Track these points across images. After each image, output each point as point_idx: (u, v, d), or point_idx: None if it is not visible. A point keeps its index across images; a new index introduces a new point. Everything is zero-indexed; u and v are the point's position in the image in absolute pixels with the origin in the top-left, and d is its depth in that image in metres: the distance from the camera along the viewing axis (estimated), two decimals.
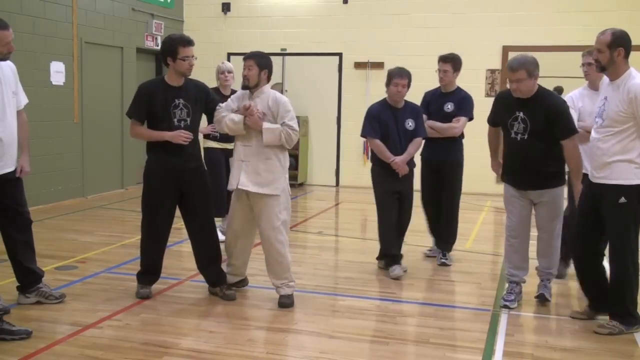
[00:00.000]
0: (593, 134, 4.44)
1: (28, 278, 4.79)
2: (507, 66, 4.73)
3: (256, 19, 11.86)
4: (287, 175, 4.91)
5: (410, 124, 5.68)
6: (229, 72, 6.81)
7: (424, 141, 5.92)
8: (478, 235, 7.76)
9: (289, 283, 4.92)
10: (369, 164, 11.91)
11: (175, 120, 4.81)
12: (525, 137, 4.72)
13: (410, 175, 5.76)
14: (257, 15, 11.86)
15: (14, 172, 4.61)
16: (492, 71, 10.80)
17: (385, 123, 5.66)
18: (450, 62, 6.06)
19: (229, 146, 6.44)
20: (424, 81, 10.90)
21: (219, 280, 5.08)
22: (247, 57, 4.83)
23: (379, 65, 11.26)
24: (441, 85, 6.17)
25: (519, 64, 4.62)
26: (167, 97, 4.81)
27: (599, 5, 10.23)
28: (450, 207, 6.19)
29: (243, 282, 5.25)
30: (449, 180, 6.11)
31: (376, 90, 11.28)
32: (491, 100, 11.34)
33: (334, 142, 11.71)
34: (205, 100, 4.99)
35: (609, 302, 4.52)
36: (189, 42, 4.80)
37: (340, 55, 11.54)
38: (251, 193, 4.78)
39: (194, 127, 4.92)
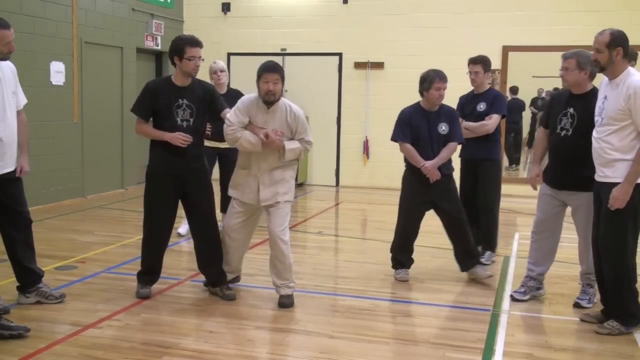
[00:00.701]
0: (594, 133, 4.44)
1: (28, 278, 4.79)
2: (562, 55, 4.85)
3: (256, 19, 11.86)
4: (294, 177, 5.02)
5: (443, 128, 5.49)
6: (222, 71, 6.80)
7: (460, 146, 5.78)
8: None
9: (289, 284, 4.92)
10: (369, 164, 11.98)
11: (179, 119, 4.81)
12: (569, 132, 4.76)
13: (446, 185, 5.52)
14: (257, 15, 11.86)
15: (14, 172, 4.62)
16: (492, 71, 10.77)
17: (417, 127, 5.50)
18: (480, 63, 6.11)
19: (221, 145, 6.50)
20: None
21: (220, 280, 5.08)
22: (272, 70, 4.69)
23: (379, 65, 11.27)
24: (473, 87, 6.23)
25: (572, 54, 4.74)
26: (171, 96, 4.81)
27: (599, 5, 10.23)
28: (487, 205, 6.10)
29: (236, 279, 5.26)
30: (484, 179, 6.09)
31: (376, 90, 11.32)
32: None
33: (334, 142, 11.71)
34: (210, 101, 4.95)
35: (608, 302, 4.50)
36: (196, 43, 4.81)
37: (340, 55, 11.54)
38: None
39: (197, 128, 4.89)
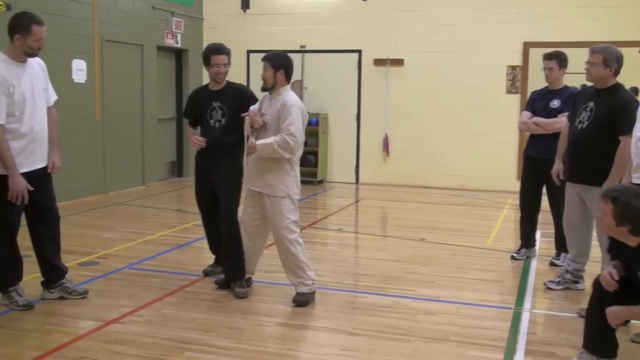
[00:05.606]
0: (634, 131, 4.25)
1: (52, 274, 4.86)
2: (590, 48, 4.87)
3: (275, 16, 11.87)
4: (297, 180, 4.90)
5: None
6: None
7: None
8: (499, 233, 7.71)
9: (305, 282, 4.89)
10: (389, 161, 11.94)
11: (212, 121, 5.21)
12: (585, 125, 4.80)
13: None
14: (276, 12, 11.87)
15: (45, 168, 4.69)
16: (513, 67, 10.71)
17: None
18: (555, 59, 5.85)
19: None
20: (445, 77, 10.95)
21: (233, 276, 5.09)
22: (263, 58, 4.91)
23: (398, 62, 11.22)
24: (547, 82, 5.96)
25: (600, 49, 4.75)
26: (205, 101, 5.25)
27: (621, 1, 10.10)
28: (557, 207, 5.84)
29: (248, 282, 5.24)
30: (552, 180, 5.57)
31: (396, 87, 11.28)
32: (512, 97, 11.30)
33: (353, 139, 11.69)
34: (242, 102, 5.14)
35: None
36: (218, 51, 5.19)
37: (359, 52, 11.50)
38: (261, 192, 4.84)
39: (229, 127, 5.18)
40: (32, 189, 4.47)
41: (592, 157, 4.76)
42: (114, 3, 9.86)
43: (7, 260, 4.62)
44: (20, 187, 4.38)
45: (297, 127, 4.70)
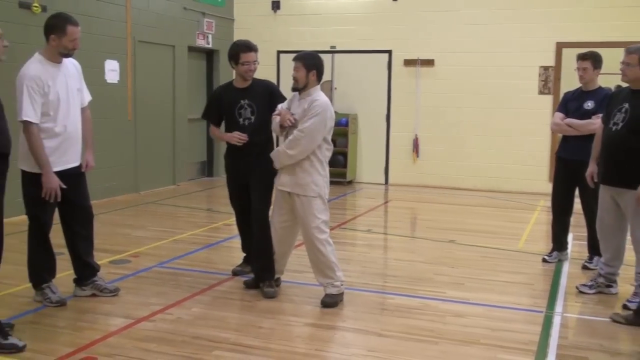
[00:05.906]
0: None
1: (85, 271, 4.93)
2: (625, 49, 4.80)
3: (306, 16, 11.89)
4: (327, 180, 4.90)
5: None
6: None
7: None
8: (530, 235, 7.62)
9: (334, 283, 4.87)
10: (419, 162, 11.88)
11: (241, 120, 5.16)
12: (619, 126, 4.71)
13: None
14: (306, 12, 11.89)
15: (79, 167, 4.77)
16: (546, 68, 10.57)
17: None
18: (590, 60, 5.76)
19: None
20: (476, 78, 10.85)
21: (263, 276, 5.11)
22: (295, 58, 4.89)
23: (428, 62, 11.16)
24: (581, 83, 5.88)
25: (635, 49, 4.68)
26: (232, 99, 5.18)
27: None
28: (590, 210, 5.74)
29: (277, 282, 5.25)
30: (585, 182, 5.45)
31: (426, 87, 11.22)
32: (545, 97, 11.15)
33: (383, 140, 11.65)
34: (270, 99, 5.15)
35: None
36: (248, 48, 5.15)
37: (389, 52, 11.47)
38: (291, 192, 4.84)
39: (259, 125, 5.14)
40: (65, 187, 4.55)
41: (627, 159, 4.67)
42: (146, 4, 9.98)
43: (40, 258, 4.71)
44: (53, 184, 4.46)
45: (310, 126, 4.67)
